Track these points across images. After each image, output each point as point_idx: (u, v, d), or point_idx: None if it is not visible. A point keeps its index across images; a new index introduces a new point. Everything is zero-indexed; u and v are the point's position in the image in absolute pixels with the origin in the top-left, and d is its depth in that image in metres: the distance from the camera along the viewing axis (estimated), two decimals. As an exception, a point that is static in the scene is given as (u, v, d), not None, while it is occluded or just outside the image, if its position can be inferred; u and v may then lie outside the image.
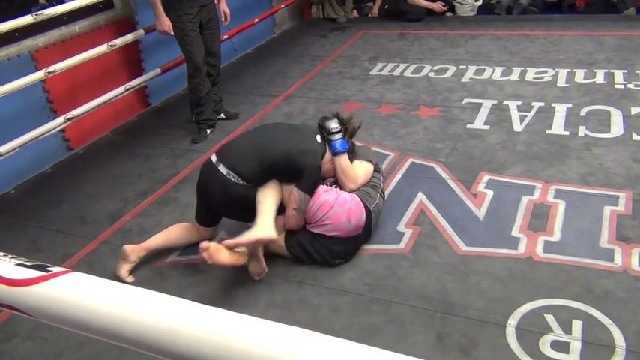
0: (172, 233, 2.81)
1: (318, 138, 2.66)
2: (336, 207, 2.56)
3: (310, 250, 2.61)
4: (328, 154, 2.66)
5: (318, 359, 0.50)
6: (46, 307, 0.61)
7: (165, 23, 3.79)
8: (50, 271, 0.62)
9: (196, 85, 3.99)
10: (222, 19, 4.16)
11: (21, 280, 0.62)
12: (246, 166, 2.52)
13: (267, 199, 2.50)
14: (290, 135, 2.66)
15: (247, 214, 2.51)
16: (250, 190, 2.51)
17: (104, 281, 0.62)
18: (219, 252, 2.34)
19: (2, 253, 0.66)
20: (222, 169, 2.53)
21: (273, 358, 0.51)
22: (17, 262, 0.64)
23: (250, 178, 2.51)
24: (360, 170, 2.75)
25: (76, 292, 0.61)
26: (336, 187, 2.69)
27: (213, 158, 2.60)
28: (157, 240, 2.78)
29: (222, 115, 4.33)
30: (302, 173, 2.51)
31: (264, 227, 2.41)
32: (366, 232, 2.69)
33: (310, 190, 2.54)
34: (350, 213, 2.57)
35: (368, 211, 2.64)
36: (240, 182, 2.51)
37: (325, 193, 2.60)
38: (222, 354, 0.53)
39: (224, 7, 4.17)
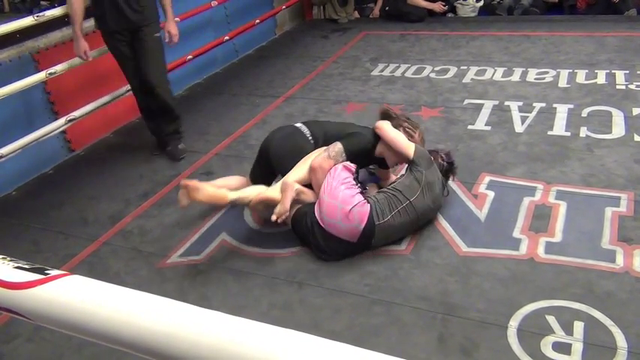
0: (231, 180, 3.14)
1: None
2: (339, 202, 2.57)
3: (307, 231, 2.66)
4: (379, 148, 2.91)
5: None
6: (45, 311, 0.61)
7: (81, 47, 3.42)
8: (49, 274, 0.62)
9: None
10: (167, 40, 3.63)
11: (19, 283, 0.62)
12: (315, 128, 3.01)
13: (299, 169, 2.77)
14: (353, 124, 3.17)
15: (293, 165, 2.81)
16: (309, 144, 2.92)
17: (103, 284, 0.62)
18: (196, 191, 2.59)
19: (1, 256, 0.66)
20: (299, 124, 3.05)
21: (272, 362, 0.51)
22: (15, 265, 0.64)
23: (315, 138, 2.96)
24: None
25: (74, 296, 0.61)
26: (360, 188, 2.68)
27: (296, 123, 3.11)
28: (218, 183, 3.04)
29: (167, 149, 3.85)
30: (348, 135, 2.89)
31: (276, 189, 2.73)
32: (362, 245, 2.63)
33: (348, 148, 2.79)
34: (347, 215, 2.56)
35: (370, 225, 2.57)
36: (310, 138, 2.95)
37: (345, 187, 2.61)
38: (220, 357, 0.53)
39: (169, 27, 3.63)
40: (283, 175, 2.84)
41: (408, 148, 2.78)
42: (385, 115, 2.99)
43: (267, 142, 3.04)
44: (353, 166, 2.73)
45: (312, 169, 2.74)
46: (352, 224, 2.56)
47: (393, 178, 3.07)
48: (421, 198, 2.67)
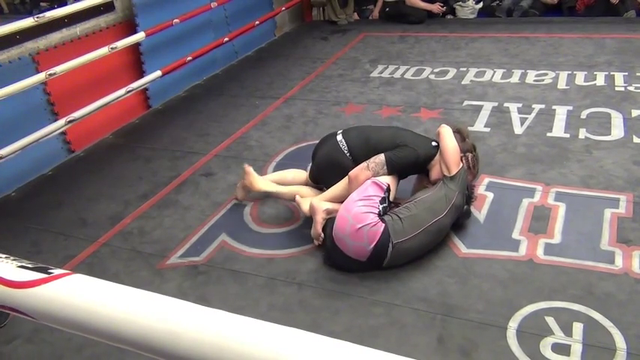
0: (288, 173, 3.25)
1: (434, 143, 2.84)
2: (351, 216, 2.51)
3: (327, 238, 2.64)
4: (437, 157, 2.78)
5: (319, 361, 0.50)
6: (48, 310, 0.61)
7: None
8: (52, 273, 0.62)
9: None
10: None
11: (23, 282, 0.62)
12: (355, 141, 2.89)
13: (334, 188, 2.83)
14: (406, 132, 3.00)
15: (334, 180, 2.84)
16: (347, 161, 2.85)
17: (106, 283, 0.62)
18: (255, 182, 3.01)
19: (4, 256, 0.66)
20: (339, 136, 2.94)
21: (274, 360, 0.51)
22: (19, 264, 0.64)
23: (353, 152, 2.87)
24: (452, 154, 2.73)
25: (77, 294, 0.61)
26: (384, 208, 2.58)
27: (338, 131, 3.01)
28: (274, 176, 3.22)
29: None
30: (396, 147, 2.78)
31: (308, 203, 2.81)
32: (372, 265, 2.54)
33: (392, 161, 2.73)
34: (356, 232, 2.47)
35: (382, 245, 2.47)
36: (346, 151, 2.87)
37: (362, 203, 2.54)
38: (222, 355, 0.53)
39: None
40: (327, 188, 2.92)
41: (456, 164, 2.69)
42: (460, 132, 2.88)
43: (314, 153, 3.07)
44: (385, 184, 2.63)
45: (350, 180, 2.74)
46: (360, 243, 2.48)
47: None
48: (448, 216, 2.61)
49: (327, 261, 2.65)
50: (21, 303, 0.62)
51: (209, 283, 2.63)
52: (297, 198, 2.88)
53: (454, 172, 2.67)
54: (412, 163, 2.78)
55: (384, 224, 2.48)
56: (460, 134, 2.86)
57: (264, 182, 3.08)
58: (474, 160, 2.85)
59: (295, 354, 0.51)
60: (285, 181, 3.18)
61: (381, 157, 2.74)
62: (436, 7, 6.49)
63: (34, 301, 0.62)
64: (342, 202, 2.70)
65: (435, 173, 2.77)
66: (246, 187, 3.12)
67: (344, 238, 2.52)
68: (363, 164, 2.74)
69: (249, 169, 3.09)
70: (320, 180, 3.04)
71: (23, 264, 0.65)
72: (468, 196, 2.80)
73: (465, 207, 2.77)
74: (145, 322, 0.57)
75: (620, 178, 3.08)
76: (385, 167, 2.72)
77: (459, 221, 2.76)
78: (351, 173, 2.74)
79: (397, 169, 2.76)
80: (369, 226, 2.47)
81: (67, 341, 2.34)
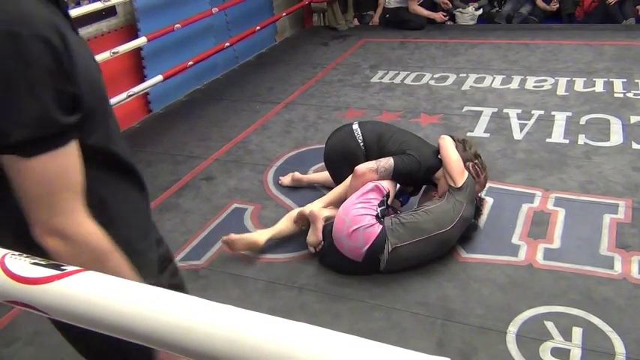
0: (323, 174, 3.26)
1: (439, 156, 2.81)
2: (348, 218, 2.52)
3: (325, 239, 2.64)
4: (440, 172, 2.76)
5: (329, 355, 0.51)
6: (62, 305, 0.62)
7: None
8: (65, 269, 0.63)
9: None
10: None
11: (36, 278, 0.63)
12: (369, 134, 2.92)
13: (333, 192, 2.85)
14: (415, 140, 2.95)
15: (342, 172, 2.85)
16: (360, 151, 2.88)
17: (117, 280, 0.64)
18: (234, 244, 2.74)
19: (17, 253, 0.68)
20: (355, 125, 2.99)
21: (284, 355, 0.52)
22: (32, 261, 0.66)
23: (367, 143, 2.90)
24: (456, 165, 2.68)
25: (90, 290, 0.62)
26: (382, 211, 2.58)
27: (354, 122, 3.07)
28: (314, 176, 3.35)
29: None
30: (403, 154, 2.77)
31: (312, 205, 2.78)
32: (368, 267, 2.54)
33: (398, 168, 2.71)
34: (351, 234, 2.49)
35: (377, 248, 2.47)
36: (360, 141, 2.90)
37: (361, 205, 2.54)
38: (233, 350, 0.54)
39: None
40: (334, 180, 2.96)
41: (460, 174, 2.64)
42: (461, 142, 2.84)
43: (327, 142, 3.10)
44: (386, 189, 2.62)
45: (354, 174, 2.70)
46: (355, 244, 2.49)
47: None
48: (456, 229, 2.57)
49: (323, 260, 2.67)
50: (35, 299, 0.63)
51: (209, 286, 2.64)
52: (295, 218, 2.80)
53: (460, 182, 2.62)
54: (414, 173, 2.76)
55: (381, 226, 2.50)
56: (463, 144, 2.84)
57: (259, 235, 2.80)
58: (475, 168, 2.75)
59: (306, 349, 0.52)
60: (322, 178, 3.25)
61: (390, 162, 2.71)
62: (439, 16, 6.51)
63: (47, 297, 0.63)
64: (341, 203, 2.71)
65: (442, 186, 2.74)
66: (253, 248, 2.79)
67: (341, 238, 2.54)
68: (372, 165, 2.70)
69: (233, 236, 2.76)
70: (329, 167, 3.07)
71: (36, 261, 0.66)
72: (477, 208, 2.77)
73: (473, 221, 2.74)
74: (158, 317, 0.58)
75: (619, 184, 3.10)
76: (391, 173, 2.71)
77: (465, 233, 2.71)
78: (357, 168, 2.70)
79: (400, 177, 2.76)
80: (364, 227, 2.48)
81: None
